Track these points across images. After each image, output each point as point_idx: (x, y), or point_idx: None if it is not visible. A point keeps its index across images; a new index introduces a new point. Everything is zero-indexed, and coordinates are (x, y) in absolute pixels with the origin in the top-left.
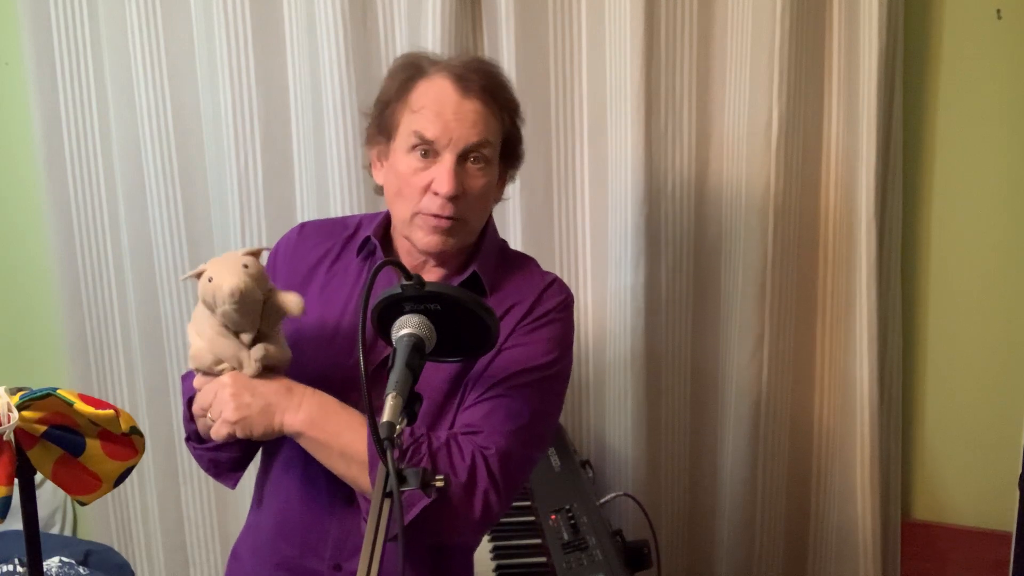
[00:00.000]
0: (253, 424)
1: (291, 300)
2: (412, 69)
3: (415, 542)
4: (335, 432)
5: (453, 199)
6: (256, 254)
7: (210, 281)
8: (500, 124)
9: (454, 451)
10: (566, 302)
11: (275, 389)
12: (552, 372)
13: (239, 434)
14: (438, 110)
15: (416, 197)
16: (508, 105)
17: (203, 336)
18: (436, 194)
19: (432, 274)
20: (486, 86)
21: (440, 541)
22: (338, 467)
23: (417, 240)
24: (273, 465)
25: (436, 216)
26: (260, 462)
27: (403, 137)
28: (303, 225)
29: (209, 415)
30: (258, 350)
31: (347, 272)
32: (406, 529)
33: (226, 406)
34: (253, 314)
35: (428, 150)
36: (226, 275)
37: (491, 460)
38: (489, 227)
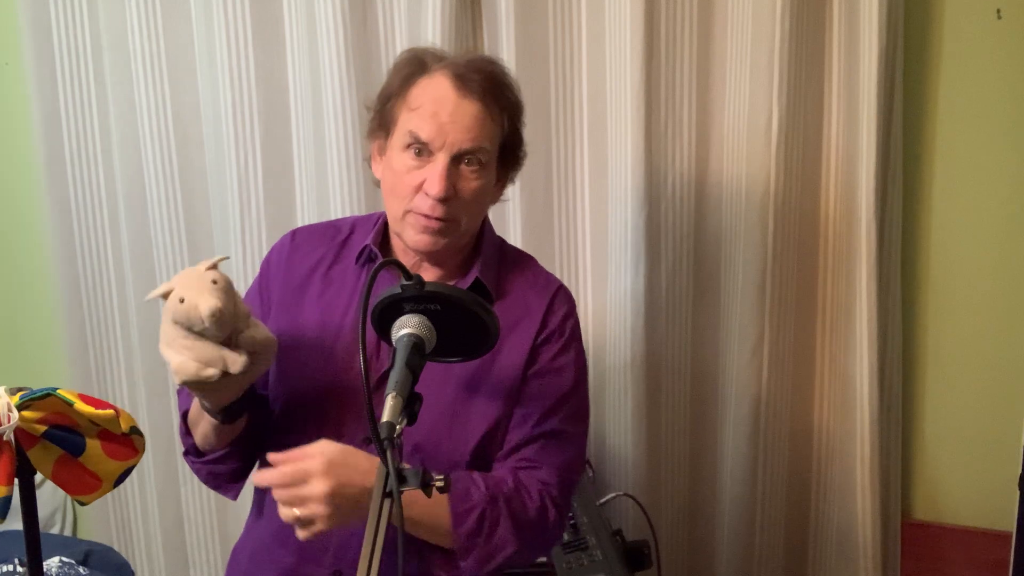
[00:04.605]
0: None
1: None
2: (415, 64)
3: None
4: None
5: (443, 201)
6: (217, 266)
7: (182, 302)
8: (498, 127)
9: (524, 495)
10: (572, 313)
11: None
12: (580, 393)
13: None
14: (434, 110)
15: (408, 195)
16: (509, 107)
17: (177, 348)
18: (427, 195)
19: (429, 274)
20: (487, 87)
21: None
22: (423, 536)
23: (407, 238)
24: None
25: (427, 216)
26: (258, 469)
27: (399, 135)
28: (294, 233)
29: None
30: (247, 340)
31: (345, 277)
32: (492, 570)
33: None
34: (230, 326)
35: (422, 149)
36: (199, 296)
37: (554, 494)
38: (486, 227)
